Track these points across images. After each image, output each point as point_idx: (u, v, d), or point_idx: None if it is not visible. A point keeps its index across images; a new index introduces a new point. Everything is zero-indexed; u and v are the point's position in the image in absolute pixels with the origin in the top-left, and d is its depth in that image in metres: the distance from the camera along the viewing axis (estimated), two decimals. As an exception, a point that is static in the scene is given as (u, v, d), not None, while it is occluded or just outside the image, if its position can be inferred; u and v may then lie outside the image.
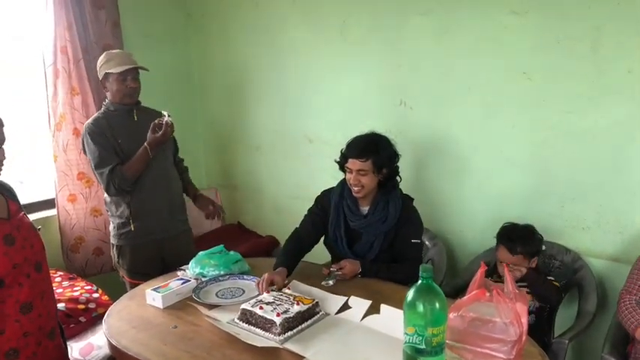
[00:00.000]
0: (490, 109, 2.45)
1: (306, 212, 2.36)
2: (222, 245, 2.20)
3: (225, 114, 3.70)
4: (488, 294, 1.36)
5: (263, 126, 3.47)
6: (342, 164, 2.18)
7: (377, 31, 2.77)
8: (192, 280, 1.95)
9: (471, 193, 2.58)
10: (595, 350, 1.89)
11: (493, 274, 2.20)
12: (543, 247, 2.20)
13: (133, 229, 2.38)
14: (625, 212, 2.16)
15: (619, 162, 2.14)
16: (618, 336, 1.91)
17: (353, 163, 2.08)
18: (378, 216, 2.13)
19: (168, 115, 2.30)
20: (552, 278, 2.17)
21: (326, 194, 2.31)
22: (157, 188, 2.41)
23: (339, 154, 2.22)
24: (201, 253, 2.14)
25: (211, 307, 1.77)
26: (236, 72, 3.54)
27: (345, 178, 2.21)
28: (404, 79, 2.73)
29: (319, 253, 2.39)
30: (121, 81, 2.32)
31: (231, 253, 2.17)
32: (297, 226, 2.32)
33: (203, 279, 2.00)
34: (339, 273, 2.01)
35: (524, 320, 1.36)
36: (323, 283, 1.96)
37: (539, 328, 2.11)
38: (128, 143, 2.32)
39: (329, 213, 2.24)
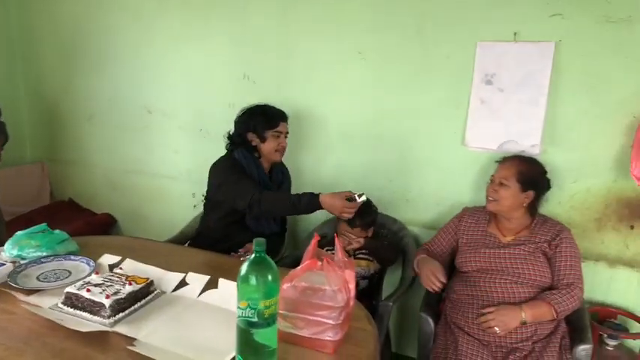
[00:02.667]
0: (329, 86, 2.56)
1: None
2: (44, 223, 2.00)
3: (52, 80, 3.37)
4: (319, 263, 1.43)
5: (95, 94, 3.22)
6: (264, 131, 2.23)
7: (220, 4, 2.71)
8: (8, 264, 1.75)
9: (311, 167, 2.67)
10: (415, 310, 2.10)
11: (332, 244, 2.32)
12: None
13: None
14: (442, 185, 2.41)
15: (438, 140, 2.38)
16: (432, 297, 2.12)
17: (284, 126, 2.28)
18: (279, 176, 2.39)
19: None
20: (387, 242, 2.36)
21: (237, 164, 2.24)
22: None
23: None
24: (19, 232, 1.92)
25: (31, 292, 1.61)
26: (65, 34, 3.22)
27: (237, 152, 2.25)
28: (247, 53, 2.72)
29: (159, 231, 2.31)
30: None
31: (57, 232, 1.98)
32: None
33: (22, 261, 1.81)
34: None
35: (352, 286, 1.45)
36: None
37: (371, 292, 2.30)
38: None
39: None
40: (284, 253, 2.54)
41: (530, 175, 1.99)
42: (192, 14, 2.81)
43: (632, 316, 2.15)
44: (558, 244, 1.92)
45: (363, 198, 2.00)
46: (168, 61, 2.95)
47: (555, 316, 1.81)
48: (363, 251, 2.30)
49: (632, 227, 2.13)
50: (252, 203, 2.07)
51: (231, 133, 2.32)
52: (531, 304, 1.84)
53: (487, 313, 1.84)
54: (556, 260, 1.91)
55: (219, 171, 2.23)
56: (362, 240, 2.27)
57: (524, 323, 1.81)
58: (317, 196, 2.02)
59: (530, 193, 1.98)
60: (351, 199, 1.99)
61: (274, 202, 2.10)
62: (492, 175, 2.05)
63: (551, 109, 2.15)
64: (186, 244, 2.46)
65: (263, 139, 2.24)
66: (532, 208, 2.02)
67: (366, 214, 2.25)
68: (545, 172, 2.07)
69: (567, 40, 2.08)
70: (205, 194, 2.36)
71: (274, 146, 2.25)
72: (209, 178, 2.29)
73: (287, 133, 2.30)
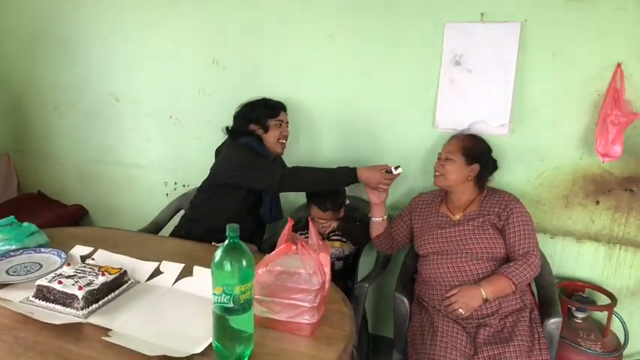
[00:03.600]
0: (300, 70, 2.55)
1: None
2: (12, 216, 1.96)
3: (15, 70, 3.28)
4: (294, 247, 1.43)
5: (61, 83, 3.14)
6: (266, 120, 2.26)
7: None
8: (-24, 259, 1.71)
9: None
10: (390, 291, 2.12)
11: (307, 229, 2.33)
12: (347, 201, 2.38)
13: None
14: (413, 167, 2.43)
15: (409, 121, 2.40)
16: (406, 278, 2.17)
17: (284, 116, 2.34)
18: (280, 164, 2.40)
19: None
20: (359, 224, 2.37)
21: (251, 148, 2.23)
22: None
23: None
24: (-14, 227, 1.88)
25: (0, 286, 1.58)
26: (27, 22, 3.13)
27: (245, 139, 2.24)
28: (216, 38, 2.69)
29: (132, 221, 2.28)
30: None
31: (25, 224, 1.94)
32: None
33: (-10, 256, 1.77)
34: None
35: (327, 269, 1.46)
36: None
37: (346, 274, 2.32)
38: None
39: None
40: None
41: (474, 149, 2.05)
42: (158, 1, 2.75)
43: (598, 288, 2.22)
44: (509, 215, 1.96)
45: (400, 170, 2.06)
46: (134, 47, 2.89)
47: (514, 288, 1.86)
48: (337, 233, 2.32)
49: (597, 202, 2.19)
50: (285, 177, 2.09)
51: (229, 127, 2.34)
52: (489, 280, 1.88)
53: (449, 297, 1.89)
54: (509, 232, 1.95)
55: (236, 154, 2.20)
56: (334, 224, 2.29)
57: (486, 300, 1.86)
58: (354, 169, 2.06)
59: (476, 167, 2.03)
60: (388, 171, 2.05)
61: (309, 175, 2.13)
62: (439, 153, 2.11)
63: (519, 89, 2.18)
64: (170, 232, 2.40)
65: (266, 129, 2.27)
66: (479, 182, 2.06)
67: (337, 195, 2.27)
68: (491, 151, 2.12)
69: (532, 20, 2.11)
70: (208, 180, 2.32)
71: (277, 135, 2.28)
72: (220, 163, 2.26)
73: (287, 122, 2.34)
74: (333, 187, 2.20)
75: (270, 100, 2.34)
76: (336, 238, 2.31)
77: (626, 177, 2.12)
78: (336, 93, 2.50)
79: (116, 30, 2.91)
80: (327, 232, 2.30)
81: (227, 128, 2.34)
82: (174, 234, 2.33)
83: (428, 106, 2.34)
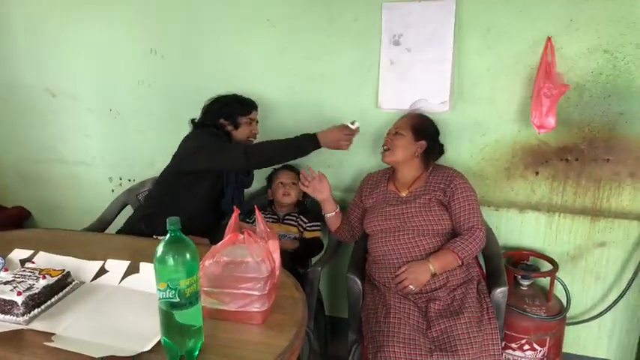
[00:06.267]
0: (241, 57, 2.51)
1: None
2: (-58, 225, 1.86)
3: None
4: (241, 236, 1.42)
5: (-11, 80, 2.98)
6: (238, 117, 2.25)
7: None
8: None
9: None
10: (342, 272, 2.14)
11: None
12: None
13: None
14: (361, 149, 2.43)
15: (354, 104, 2.41)
16: (358, 258, 2.19)
17: (255, 114, 2.33)
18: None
19: None
20: (318, 226, 2.37)
21: (212, 133, 2.22)
22: None
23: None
24: None
25: None
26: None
27: (210, 130, 2.22)
28: (153, 26, 2.62)
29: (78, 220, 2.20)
30: None
31: (-43, 232, 1.85)
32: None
33: None
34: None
35: (276, 256, 1.46)
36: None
37: (299, 260, 2.33)
38: None
39: None
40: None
41: (423, 125, 2.12)
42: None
43: (541, 256, 2.31)
44: (453, 191, 2.01)
45: (357, 124, 2.09)
46: (67, 38, 2.78)
47: (460, 262, 1.92)
48: (293, 216, 2.35)
49: (536, 173, 2.27)
50: (248, 149, 2.07)
51: (194, 120, 2.31)
52: (437, 255, 1.93)
53: (400, 274, 1.93)
54: (455, 207, 2.00)
55: (200, 137, 2.19)
56: (296, 243, 2.30)
57: (434, 275, 1.91)
58: (314, 134, 2.07)
59: (423, 143, 2.08)
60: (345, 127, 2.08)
61: (272, 145, 2.09)
62: (389, 129, 2.16)
63: (458, 66, 2.22)
64: (123, 227, 2.32)
65: (237, 126, 2.25)
66: (425, 160, 2.11)
67: None
68: (438, 133, 2.18)
69: (467, -3, 2.15)
70: (169, 168, 2.27)
71: (247, 133, 2.28)
72: (183, 148, 2.21)
73: (257, 121, 2.35)
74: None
75: (242, 97, 2.33)
76: (292, 222, 2.33)
77: (561, 147, 2.20)
78: (279, 78, 2.48)
79: (46, 19, 2.78)
80: (291, 202, 2.36)
81: (192, 121, 2.31)
82: (131, 228, 2.25)
83: (371, 88, 2.36)
